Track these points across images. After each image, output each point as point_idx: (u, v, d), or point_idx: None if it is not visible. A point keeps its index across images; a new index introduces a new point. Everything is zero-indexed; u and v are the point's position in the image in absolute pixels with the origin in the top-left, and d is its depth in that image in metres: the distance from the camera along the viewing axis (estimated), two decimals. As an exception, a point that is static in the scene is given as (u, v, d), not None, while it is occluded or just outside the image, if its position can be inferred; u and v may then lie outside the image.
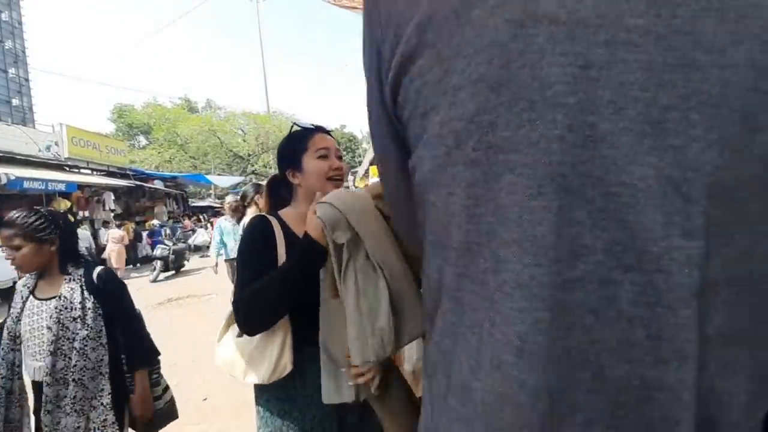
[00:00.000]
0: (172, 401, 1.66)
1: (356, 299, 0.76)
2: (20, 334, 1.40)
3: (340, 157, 1.18)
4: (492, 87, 0.23)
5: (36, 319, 1.39)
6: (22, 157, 9.43)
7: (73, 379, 1.36)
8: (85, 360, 1.38)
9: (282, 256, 1.04)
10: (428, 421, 0.30)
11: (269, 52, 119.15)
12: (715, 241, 0.22)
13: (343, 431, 1.12)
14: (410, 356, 1.10)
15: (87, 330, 1.39)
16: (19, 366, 1.42)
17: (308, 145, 1.15)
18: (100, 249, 9.43)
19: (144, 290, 7.46)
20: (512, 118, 0.23)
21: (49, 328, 1.37)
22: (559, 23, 0.22)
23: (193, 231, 12.99)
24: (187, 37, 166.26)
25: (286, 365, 1.03)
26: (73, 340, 1.37)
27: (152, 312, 5.81)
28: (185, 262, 9.77)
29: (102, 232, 10.12)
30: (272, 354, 1.02)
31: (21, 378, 1.44)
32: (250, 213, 3.49)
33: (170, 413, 1.63)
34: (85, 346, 1.39)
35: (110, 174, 12.93)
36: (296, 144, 1.17)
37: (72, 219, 9.41)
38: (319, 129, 1.21)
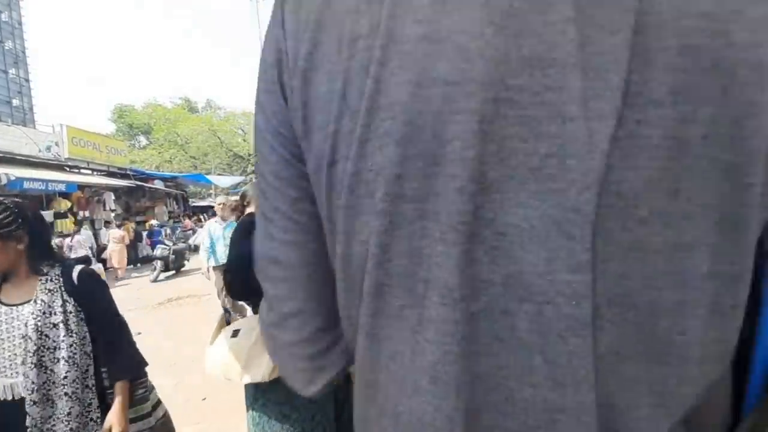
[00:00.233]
0: (166, 419, 1.43)
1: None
2: None
3: None
4: (398, 142, 0.26)
5: (5, 329, 1.16)
6: (23, 158, 9.44)
7: (66, 393, 1.18)
8: (76, 370, 1.20)
9: None
10: None
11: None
12: (598, 270, 0.25)
13: (342, 430, 1.11)
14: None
15: (72, 336, 1.21)
16: None
17: None
18: (101, 249, 9.45)
19: (144, 290, 7.45)
20: (418, 172, 0.26)
21: (25, 337, 1.16)
22: (454, 84, 0.25)
23: (194, 231, 12.97)
24: (186, 38, 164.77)
25: None
26: (55, 349, 1.19)
27: (152, 312, 5.80)
28: (185, 262, 9.76)
29: (103, 232, 10.13)
30: None
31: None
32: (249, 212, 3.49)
33: None
34: (74, 354, 1.21)
35: (110, 174, 12.94)
36: None
37: (73, 219, 9.46)
38: None
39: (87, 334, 1.25)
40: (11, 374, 1.16)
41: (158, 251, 9.02)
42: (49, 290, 1.22)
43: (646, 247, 0.25)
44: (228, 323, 1.33)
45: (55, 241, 6.35)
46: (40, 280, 1.23)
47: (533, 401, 0.26)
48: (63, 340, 1.19)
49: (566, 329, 0.25)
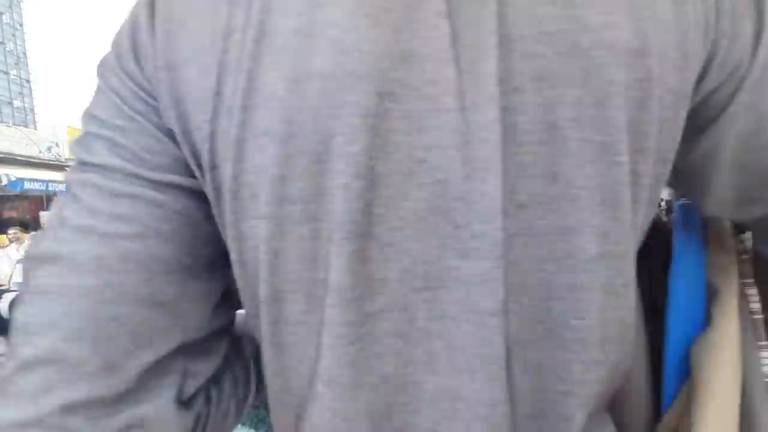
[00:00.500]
0: None
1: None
2: None
3: None
4: (278, 141, 0.24)
5: None
6: (23, 158, 9.48)
7: None
8: None
9: None
10: None
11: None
12: (502, 259, 0.25)
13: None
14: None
15: None
16: None
17: None
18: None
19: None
20: (302, 171, 0.25)
21: None
22: (331, 77, 0.24)
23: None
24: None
25: None
26: None
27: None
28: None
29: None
30: None
31: None
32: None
33: None
34: None
35: (111, 175, 12.92)
36: None
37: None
38: None
39: None
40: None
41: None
42: None
43: (530, 232, 0.26)
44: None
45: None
46: None
47: (437, 391, 0.26)
48: None
49: (459, 314, 0.26)
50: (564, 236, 0.26)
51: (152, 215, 0.27)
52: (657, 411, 0.39)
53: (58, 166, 10.68)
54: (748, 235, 0.39)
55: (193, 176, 0.28)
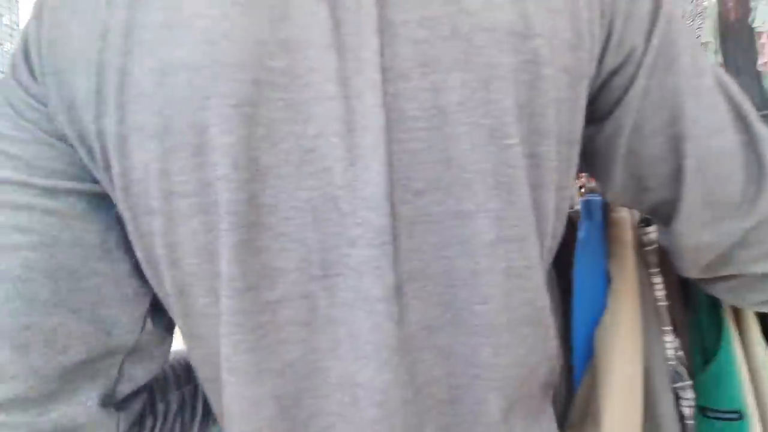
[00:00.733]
0: None
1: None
2: None
3: None
4: (154, 136, 0.24)
5: None
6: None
7: None
8: None
9: None
10: None
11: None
12: (389, 246, 0.25)
13: None
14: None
15: None
16: None
17: None
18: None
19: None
20: (182, 164, 0.25)
21: None
22: (198, 68, 0.24)
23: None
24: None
25: None
26: None
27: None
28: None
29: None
30: None
31: None
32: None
33: None
34: None
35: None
36: None
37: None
38: None
39: None
40: None
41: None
42: None
43: (429, 218, 0.26)
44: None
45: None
46: None
47: (341, 377, 0.27)
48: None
49: (354, 301, 0.26)
50: (462, 221, 0.26)
51: (49, 224, 0.27)
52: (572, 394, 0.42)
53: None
54: (654, 227, 0.41)
55: (95, 180, 0.28)
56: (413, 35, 0.24)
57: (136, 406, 0.32)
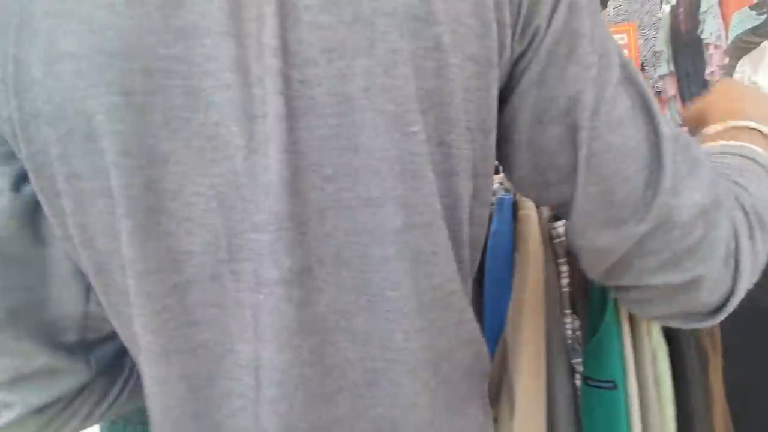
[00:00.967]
0: None
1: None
2: None
3: None
4: (47, 122, 0.25)
5: None
6: None
7: None
8: None
9: None
10: None
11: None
12: (297, 230, 0.26)
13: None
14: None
15: None
16: None
17: None
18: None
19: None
20: (76, 149, 0.25)
21: None
22: (81, 57, 0.24)
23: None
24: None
25: None
26: None
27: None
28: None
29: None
30: None
31: None
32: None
33: None
34: None
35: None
36: None
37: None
38: None
39: None
40: None
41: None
42: None
43: (340, 204, 0.26)
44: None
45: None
46: None
47: (248, 359, 0.27)
48: None
49: (257, 285, 0.27)
50: (371, 208, 0.26)
51: None
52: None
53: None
54: (562, 222, 0.46)
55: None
56: (316, 20, 0.24)
57: (107, 348, 0.34)
